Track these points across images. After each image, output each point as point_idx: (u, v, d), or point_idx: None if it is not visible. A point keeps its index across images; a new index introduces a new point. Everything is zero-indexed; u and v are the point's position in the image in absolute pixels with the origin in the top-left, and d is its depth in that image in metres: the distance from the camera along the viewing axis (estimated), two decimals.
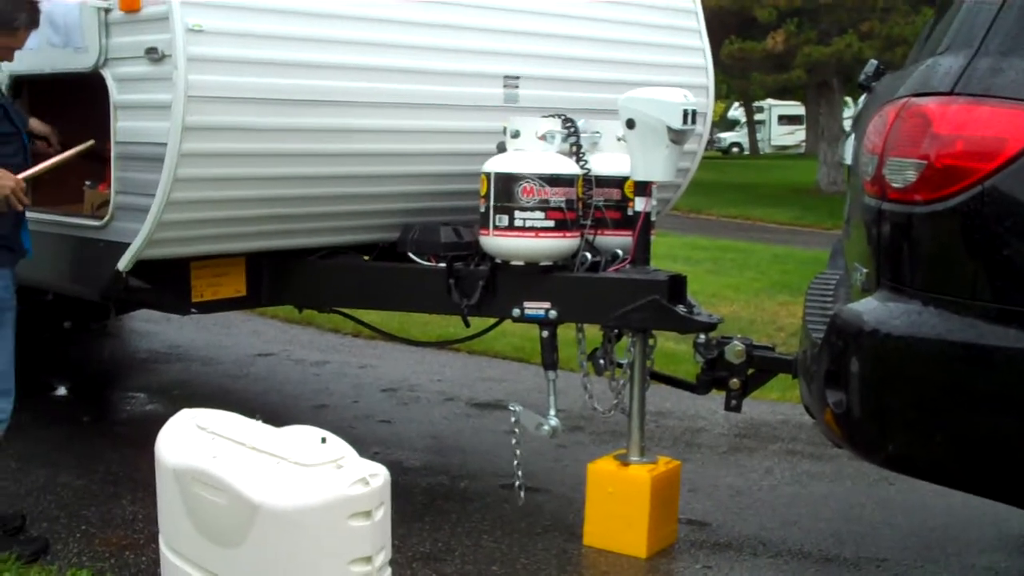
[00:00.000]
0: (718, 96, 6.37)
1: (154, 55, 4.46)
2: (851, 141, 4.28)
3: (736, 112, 53.67)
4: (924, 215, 2.94)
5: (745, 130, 51.93)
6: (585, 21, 5.69)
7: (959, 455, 3.02)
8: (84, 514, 4.90)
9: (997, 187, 2.83)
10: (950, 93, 2.95)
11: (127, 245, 4.67)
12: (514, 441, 4.78)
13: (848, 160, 4.24)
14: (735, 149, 52.43)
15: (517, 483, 4.80)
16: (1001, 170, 2.83)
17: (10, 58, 4.48)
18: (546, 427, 4.73)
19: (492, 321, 5.46)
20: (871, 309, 3.05)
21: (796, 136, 49.17)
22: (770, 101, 47.73)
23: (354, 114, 4.88)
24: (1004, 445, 2.93)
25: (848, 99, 29.27)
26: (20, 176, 4.31)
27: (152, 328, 8.80)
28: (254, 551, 3.52)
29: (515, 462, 4.76)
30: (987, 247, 2.88)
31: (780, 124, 52.07)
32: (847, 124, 24.89)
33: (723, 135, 53.96)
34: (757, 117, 51.18)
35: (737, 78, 29.47)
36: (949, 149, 2.90)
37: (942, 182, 2.90)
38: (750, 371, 4.61)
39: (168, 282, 5.10)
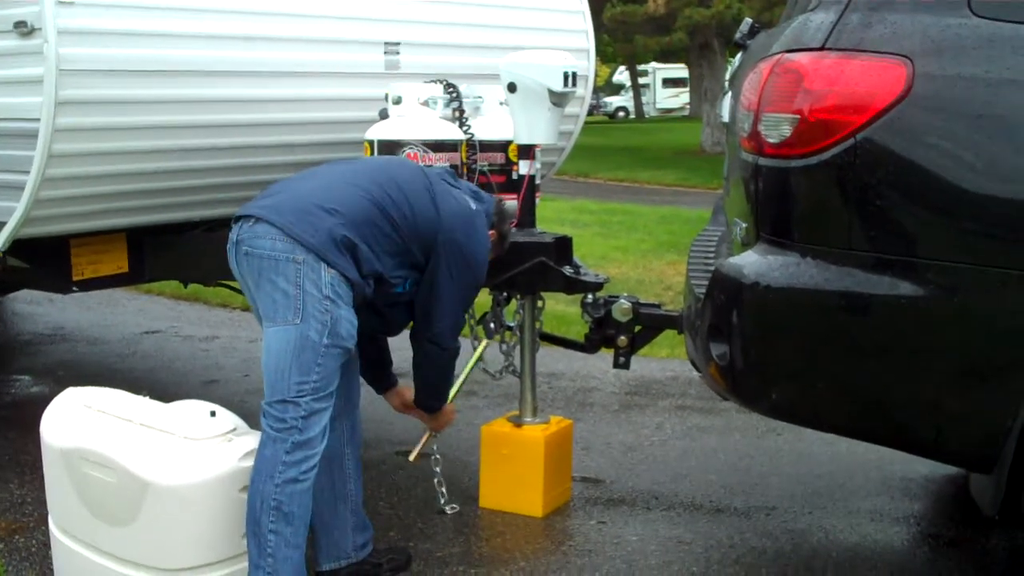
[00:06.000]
0: (603, 59, 6.40)
1: (23, 28, 4.35)
2: (728, 99, 4.34)
3: (621, 76, 54.00)
4: (799, 169, 3.00)
5: (631, 94, 52.28)
6: None
7: (839, 401, 3.10)
8: None
9: (869, 139, 2.90)
10: (821, 48, 3.00)
11: (3, 224, 4.56)
12: None
13: (726, 118, 4.30)
14: (621, 113, 52.81)
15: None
16: (872, 123, 2.89)
17: None
18: None
19: None
20: (751, 262, 3.11)
21: (681, 99, 49.67)
22: (654, 65, 48.11)
23: (233, 84, 4.81)
24: (881, 390, 3.01)
25: (731, 60, 29.63)
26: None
27: (35, 310, 8.62)
28: (146, 528, 3.50)
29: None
30: (860, 198, 2.94)
31: (665, 87, 52.52)
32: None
33: (609, 99, 54.29)
34: (642, 81, 51.54)
35: (621, 41, 29.68)
36: (821, 104, 2.95)
37: (815, 136, 2.95)
38: (637, 328, 4.67)
39: (47, 261, 5.00)
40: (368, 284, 3.70)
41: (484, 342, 4.80)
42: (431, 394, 4.23)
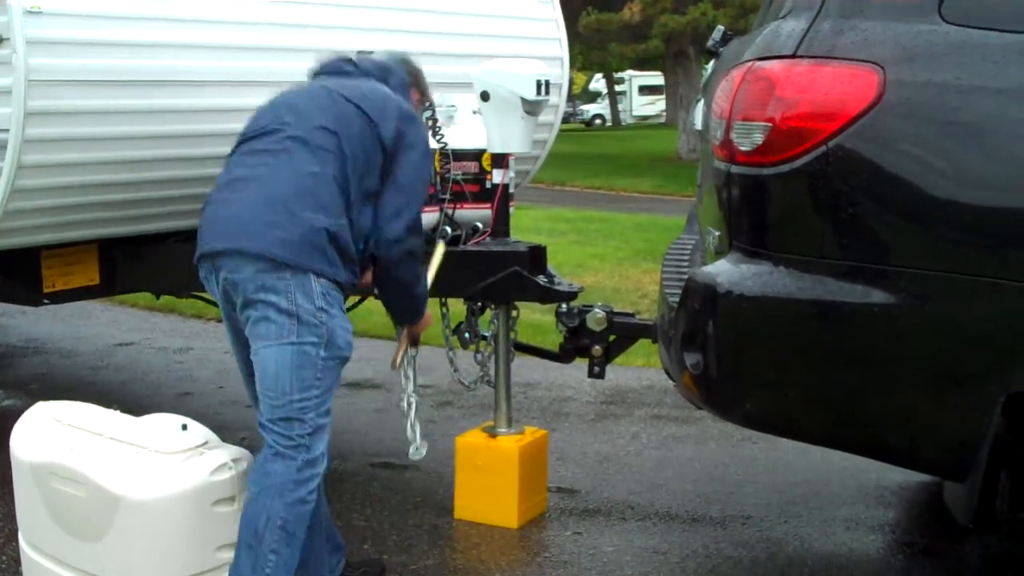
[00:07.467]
0: (577, 68, 6.40)
1: None
2: (701, 106, 4.34)
3: (598, 84, 54.09)
4: (771, 177, 2.99)
5: (607, 102, 52.36)
6: None
7: (813, 410, 3.09)
8: None
9: (841, 147, 2.89)
10: (793, 56, 2.99)
11: None
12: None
13: (699, 125, 4.30)
14: (598, 121, 52.85)
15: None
16: (843, 130, 2.89)
17: None
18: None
19: (355, 299, 5.40)
20: (724, 271, 3.10)
21: (657, 106, 49.78)
22: (630, 72, 48.23)
23: (204, 94, 4.78)
24: (854, 399, 3.01)
25: (706, 67, 29.72)
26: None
27: (7, 322, 8.55)
28: (117, 543, 3.46)
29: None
30: (833, 206, 2.94)
31: (641, 94, 52.62)
32: None
33: (586, 107, 54.35)
34: (618, 88, 51.64)
35: (595, 49, 29.71)
36: (793, 111, 2.95)
37: (787, 144, 2.94)
38: (612, 338, 4.66)
39: (18, 273, 4.97)
40: (355, 275, 3.62)
41: (440, 246, 4.53)
42: (408, 305, 3.93)
